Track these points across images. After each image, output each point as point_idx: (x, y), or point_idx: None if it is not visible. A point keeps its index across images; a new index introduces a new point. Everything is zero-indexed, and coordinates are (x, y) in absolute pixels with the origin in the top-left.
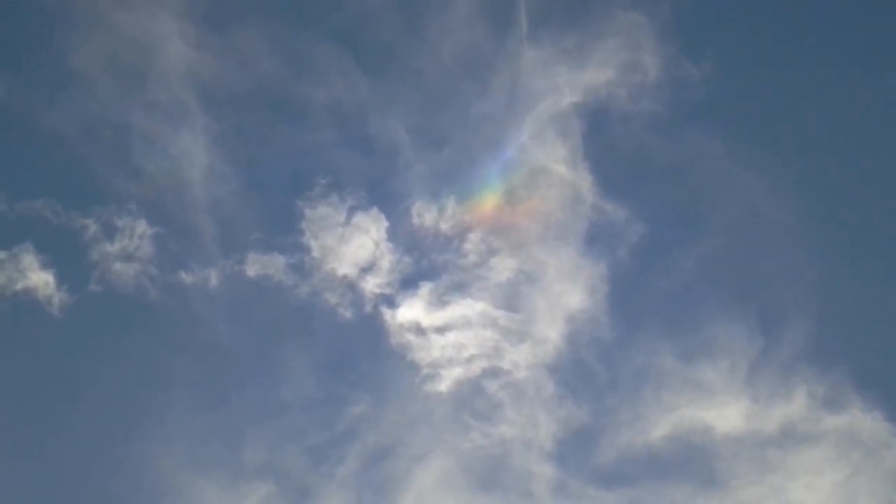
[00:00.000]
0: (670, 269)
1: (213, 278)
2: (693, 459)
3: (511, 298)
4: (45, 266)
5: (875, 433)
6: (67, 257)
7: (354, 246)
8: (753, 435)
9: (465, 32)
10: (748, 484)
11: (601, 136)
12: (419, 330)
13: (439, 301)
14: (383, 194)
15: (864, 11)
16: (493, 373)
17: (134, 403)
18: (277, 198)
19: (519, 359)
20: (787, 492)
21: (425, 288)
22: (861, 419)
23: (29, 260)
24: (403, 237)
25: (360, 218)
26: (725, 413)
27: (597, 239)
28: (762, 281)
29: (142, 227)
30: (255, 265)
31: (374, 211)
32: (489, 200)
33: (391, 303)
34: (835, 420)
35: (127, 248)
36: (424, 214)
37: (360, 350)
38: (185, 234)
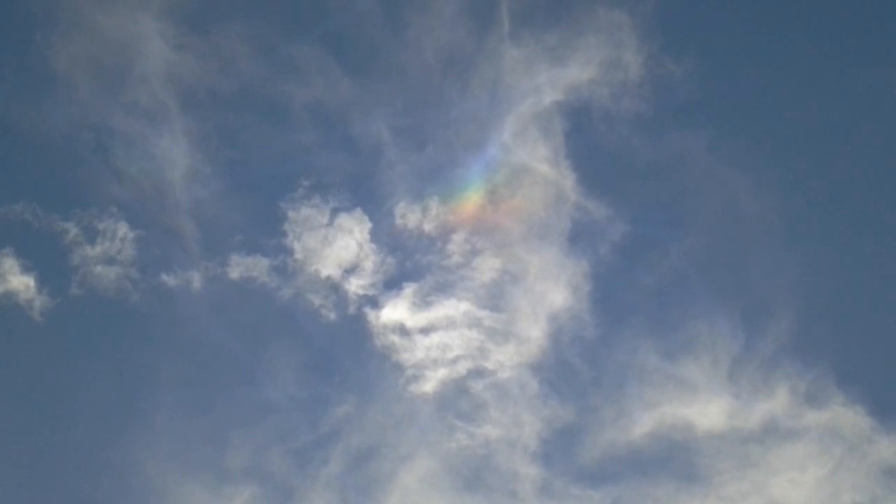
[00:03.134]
0: (653, 266)
1: (196, 281)
2: (676, 456)
3: (495, 298)
4: (25, 270)
5: (857, 428)
6: (48, 261)
7: (338, 247)
8: (736, 431)
9: (446, 32)
10: (731, 480)
11: (584, 134)
12: (403, 331)
13: (423, 302)
14: (366, 195)
15: (849, 8)
16: (478, 373)
17: (117, 407)
18: (260, 199)
19: (503, 359)
20: (769, 488)
21: (409, 289)
22: (843, 414)
23: (9, 264)
24: (387, 238)
25: (343, 219)
26: (708, 410)
27: (580, 237)
28: (745, 278)
29: (123, 229)
30: (239, 267)
31: (358, 212)
32: (472, 200)
33: (375, 304)
34: (817, 415)
35: (108, 251)
36: (408, 215)
37: (344, 351)
38: (167, 236)
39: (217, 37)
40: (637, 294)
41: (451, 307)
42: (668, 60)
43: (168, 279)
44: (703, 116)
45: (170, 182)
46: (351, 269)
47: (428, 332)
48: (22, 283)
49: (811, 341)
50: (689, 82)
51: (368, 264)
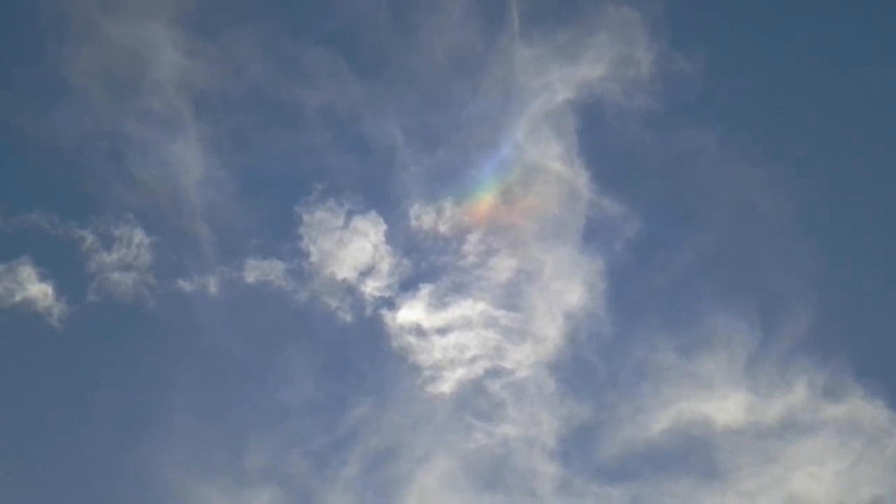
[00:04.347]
0: (668, 263)
1: (212, 285)
2: (694, 452)
3: (511, 298)
4: (43, 278)
5: (876, 421)
6: (65, 268)
7: (353, 250)
8: (754, 426)
9: (457, 32)
10: (750, 475)
11: (596, 132)
12: (420, 332)
13: (440, 302)
14: (381, 197)
15: (858, 4)
16: (495, 372)
17: (136, 412)
18: (275, 203)
19: (520, 358)
20: (789, 482)
21: (425, 290)
22: (862, 407)
23: (27, 272)
24: (402, 239)
25: (358, 221)
26: (726, 405)
27: (594, 235)
28: (760, 273)
29: (139, 236)
30: (254, 271)
31: (372, 214)
32: (486, 200)
33: (391, 305)
34: (835, 409)
35: (125, 257)
36: (422, 216)
37: (361, 353)
38: (182, 241)
39: (228, 42)
40: (652, 291)
41: (468, 307)
42: (679, 57)
43: (184, 284)
44: (713, 112)
45: (184, 187)
46: (367, 272)
47: (445, 333)
48: (40, 290)
49: (828, 335)
50: (699, 78)
51: (384, 266)
